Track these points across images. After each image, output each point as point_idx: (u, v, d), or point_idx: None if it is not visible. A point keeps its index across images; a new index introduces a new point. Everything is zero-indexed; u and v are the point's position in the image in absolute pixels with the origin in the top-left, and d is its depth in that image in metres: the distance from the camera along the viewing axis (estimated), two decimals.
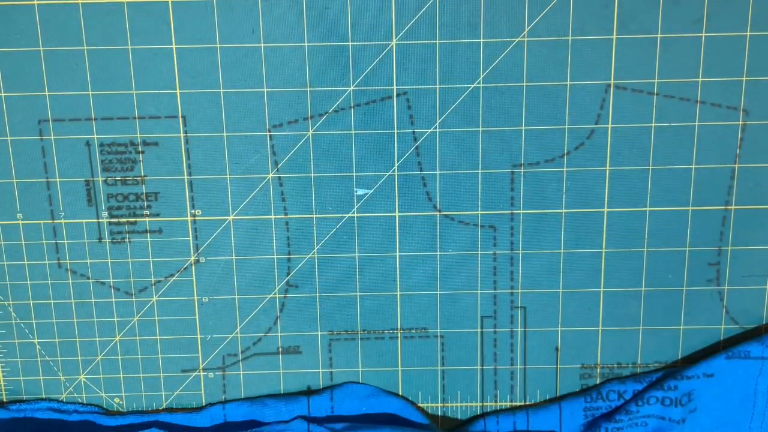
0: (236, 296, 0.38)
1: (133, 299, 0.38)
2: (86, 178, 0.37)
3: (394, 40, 0.35)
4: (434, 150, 0.36)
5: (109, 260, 0.38)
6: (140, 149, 0.36)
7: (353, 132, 0.36)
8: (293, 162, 0.36)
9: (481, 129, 0.36)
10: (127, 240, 0.37)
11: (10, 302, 0.38)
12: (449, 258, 0.38)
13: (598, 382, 0.39)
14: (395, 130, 0.36)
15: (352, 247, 0.37)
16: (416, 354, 0.39)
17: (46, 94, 0.35)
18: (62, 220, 0.37)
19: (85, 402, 0.39)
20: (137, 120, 0.36)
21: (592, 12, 0.34)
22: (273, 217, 0.37)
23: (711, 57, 0.35)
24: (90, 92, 0.35)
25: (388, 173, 0.36)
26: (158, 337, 0.39)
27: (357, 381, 0.39)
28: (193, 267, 0.38)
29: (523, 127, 0.36)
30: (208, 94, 0.35)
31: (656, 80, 0.35)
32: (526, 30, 0.35)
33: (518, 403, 0.39)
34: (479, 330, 0.39)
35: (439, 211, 0.37)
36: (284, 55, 0.35)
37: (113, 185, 0.37)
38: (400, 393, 0.40)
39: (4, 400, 0.39)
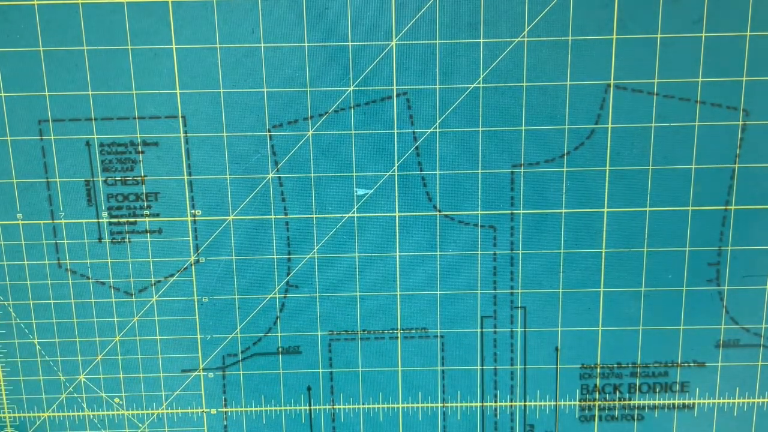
0: (236, 296, 0.38)
1: (133, 299, 0.38)
2: (86, 178, 0.37)
3: (394, 40, 0.35)
4: (434, 150, 0.36)
5: (109, 260, 0.38)
6: (140, 149, 0.36)
7: (353, 132, 0.36)
8: (293, 162, 0.36)
9: (481, 129, 0.36)
10: (127, 240, 0.37)
11: (10, 302, 0.38)
12: (449, 258, 0.38)
13: (597, 382, 0.39)
14: (395, 130, 0.36)
15: (352, 247, 0.37)
16: (416, 354, 0.39)
17: (46, 94, 0.35)
18: (62, 220, 0.37)
19: (85, 402, 0.39)
20: (137, 120, 0.36)
21: (592, 12, 0.34)
22: (273, 217, 0.37)
23: (711, 57, 0.35)
24: (90, 92, 0.35)
25: (388, 173, 0.36)
26: (158, 337, 0.39)
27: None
28: (193, 267, 0.38)
29: (523, 127, 0.36)
30: (208, 94, 0.35)
31: (656, 80, 0.35)
32: (526, 30, 0.34)
33: (517, 403, 0.40)
34: (479, 330, 0.39)
35: (439, 211, 0.37)
36: (284, 55, 0.35)
37: (113, 185, 0.37)
38: (400, 393, 0.40)
39: (5, 399, 0.39)
